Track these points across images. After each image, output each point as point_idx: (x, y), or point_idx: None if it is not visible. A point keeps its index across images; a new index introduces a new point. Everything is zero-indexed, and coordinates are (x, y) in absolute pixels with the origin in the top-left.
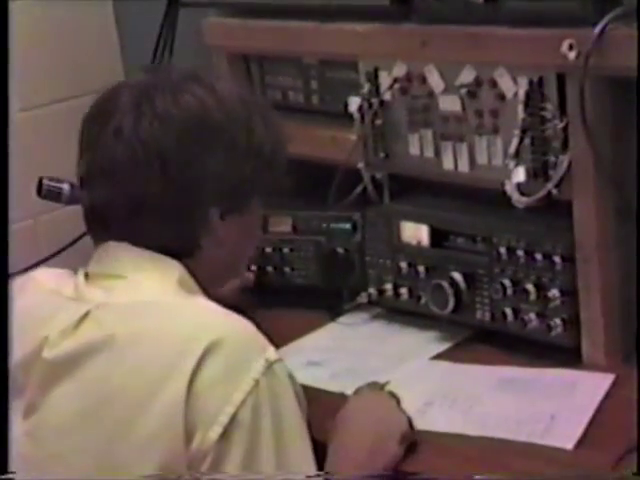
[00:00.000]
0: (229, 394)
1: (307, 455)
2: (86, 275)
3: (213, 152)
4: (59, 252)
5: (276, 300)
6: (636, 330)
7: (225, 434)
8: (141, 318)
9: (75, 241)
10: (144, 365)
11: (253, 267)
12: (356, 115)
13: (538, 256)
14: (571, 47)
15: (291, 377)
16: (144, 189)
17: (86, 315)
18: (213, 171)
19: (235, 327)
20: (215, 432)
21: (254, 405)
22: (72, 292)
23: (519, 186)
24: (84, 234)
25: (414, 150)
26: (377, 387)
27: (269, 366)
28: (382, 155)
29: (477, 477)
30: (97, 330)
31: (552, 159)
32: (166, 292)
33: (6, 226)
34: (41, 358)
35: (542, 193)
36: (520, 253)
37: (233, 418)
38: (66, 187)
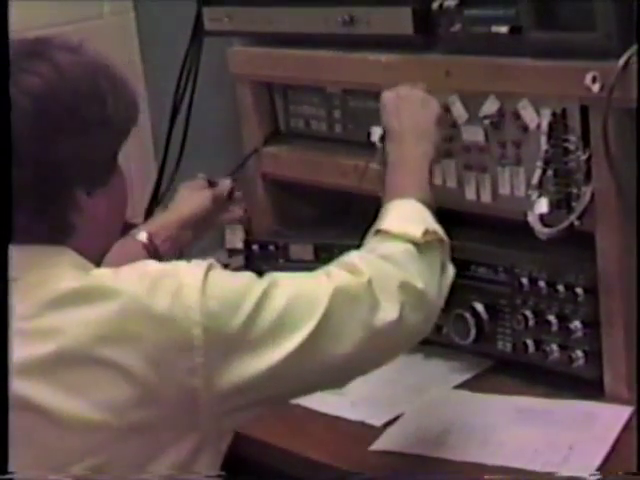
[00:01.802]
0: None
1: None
2: None
3: (67, 134)
4: None
5: None
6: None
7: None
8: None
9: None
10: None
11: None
12: (379, 144)
13: (560, 287)
14: (595, 79)
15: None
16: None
17: None
18: (71, 153)
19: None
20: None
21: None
22: None
23: (542, 217)
24: None
25: (437, 180)
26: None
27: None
28: None
29: (487, 477)
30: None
31: (575, 191)
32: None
33: (7, 226)
34: None
35: (565, 224)
36: (542, 284)
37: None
38: None
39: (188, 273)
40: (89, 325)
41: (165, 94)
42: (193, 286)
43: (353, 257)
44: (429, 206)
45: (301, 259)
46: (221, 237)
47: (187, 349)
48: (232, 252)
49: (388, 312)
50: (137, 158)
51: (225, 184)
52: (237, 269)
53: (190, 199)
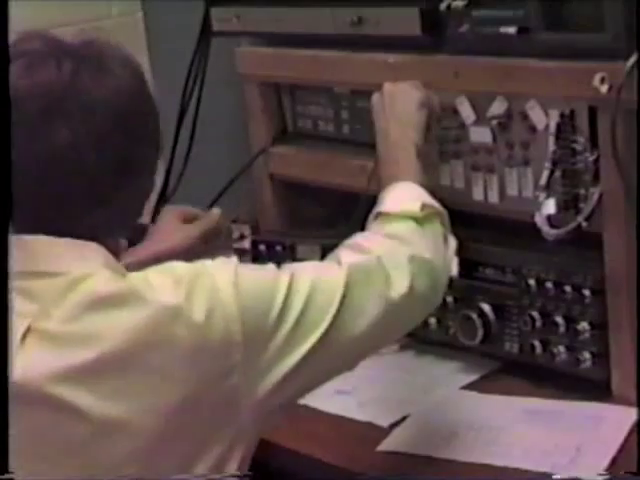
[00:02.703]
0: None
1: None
2: None
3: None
4: None
5: None
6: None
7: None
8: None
9: None
10: None
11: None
12: None
13: (568, 288)
14: (603, 80)
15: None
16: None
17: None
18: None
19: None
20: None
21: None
22: None
23: (549, 218)
24: None
25: (444, 181)
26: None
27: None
28: None
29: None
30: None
31: (582, 192)
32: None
33: (6, 228)
34: None
35: (572, 225)
36: (549, 285)
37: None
38: None
39: (219, 271)
40: (128, 331)
41: (173, 94)
42: (227, 283)
43: (357, 239)
44: (423, 186)
45: (308, 259)
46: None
47: (226, 346)
48: (239, 252)
49: (401, 284)
50: None
51: (212, 216)
52: None
53: (170, 234)
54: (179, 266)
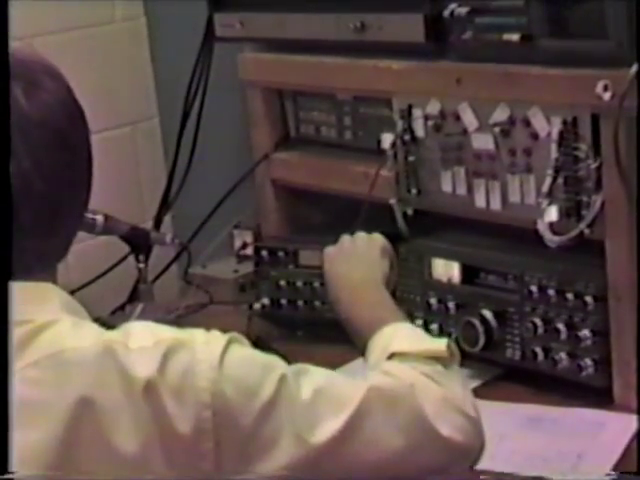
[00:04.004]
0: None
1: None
2: None
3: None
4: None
5: (306, 334)
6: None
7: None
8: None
9: (106, 272)
10: None
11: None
12: (389, 152)
13: (570, 295)
14: (606, 88)
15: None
16: None
17: None
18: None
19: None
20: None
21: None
22: None
23: (551, 225)
24: (115, 265)
25: (446, 187)
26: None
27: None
28: (414, 192)
29: (482, 478)
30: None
31: (585, 199)
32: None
33: (8, 228)
34: None
35: (574, 233)
36: (551, 292)
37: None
38: (100, 218)
39: (205, 347)
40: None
41: (176, 99)
42: (208, 363)
43: (385, 365)
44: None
45: (310, 265)
46: (230, 243)
47: (196, 432)
48: (241, 258)
49: (434, 423)
50: (147, 163)
51: None
52: (246, 275)
53: None
54: (165, 330)
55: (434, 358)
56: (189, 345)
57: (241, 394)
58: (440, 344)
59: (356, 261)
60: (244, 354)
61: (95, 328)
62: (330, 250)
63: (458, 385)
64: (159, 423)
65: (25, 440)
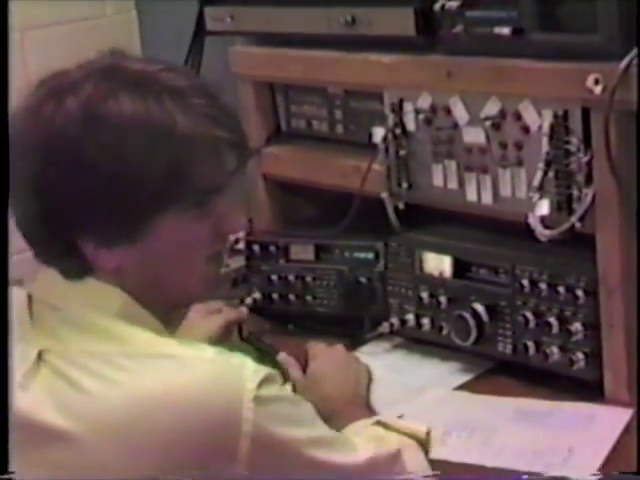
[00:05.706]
0: None
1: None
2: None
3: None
4: None
5: (298, 328)
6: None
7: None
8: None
9: None
10: None
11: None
12: (380, 145)
13: (561, 289)
14: (597, 81)
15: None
16: None
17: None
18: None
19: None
20: None
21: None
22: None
23: (543, 219)
24: None
25: (437, 181)
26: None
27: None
28: (405, 186)
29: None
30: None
31: (576, 192)
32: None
33: (6, 225)
34: None
35: (566, 226)
36: (543, 286)
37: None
38: None
39: (251, 376)
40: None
41: None
42: (252, 392)
43: (371, 430)
44: None
45: (301, 259)
46: None
47: (230, 458)
48: (232, 252)
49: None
50: None
51: (241, 313)
52: (238, 269)
53: (198, 325)
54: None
55: (414, 437)
56: (238, 370)
57: (280, 424)
58: (419, 427)
59: (345, 374)
60: (282, 391)
61: None
62: (317, 350)
63: (425, 466)
64: (194, 439)
65: None
